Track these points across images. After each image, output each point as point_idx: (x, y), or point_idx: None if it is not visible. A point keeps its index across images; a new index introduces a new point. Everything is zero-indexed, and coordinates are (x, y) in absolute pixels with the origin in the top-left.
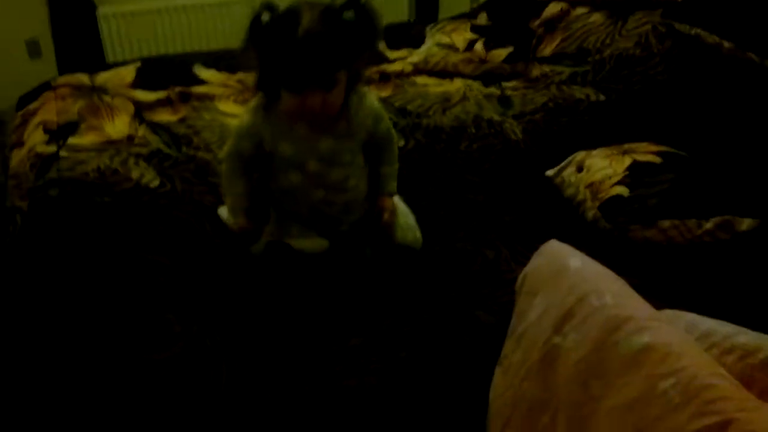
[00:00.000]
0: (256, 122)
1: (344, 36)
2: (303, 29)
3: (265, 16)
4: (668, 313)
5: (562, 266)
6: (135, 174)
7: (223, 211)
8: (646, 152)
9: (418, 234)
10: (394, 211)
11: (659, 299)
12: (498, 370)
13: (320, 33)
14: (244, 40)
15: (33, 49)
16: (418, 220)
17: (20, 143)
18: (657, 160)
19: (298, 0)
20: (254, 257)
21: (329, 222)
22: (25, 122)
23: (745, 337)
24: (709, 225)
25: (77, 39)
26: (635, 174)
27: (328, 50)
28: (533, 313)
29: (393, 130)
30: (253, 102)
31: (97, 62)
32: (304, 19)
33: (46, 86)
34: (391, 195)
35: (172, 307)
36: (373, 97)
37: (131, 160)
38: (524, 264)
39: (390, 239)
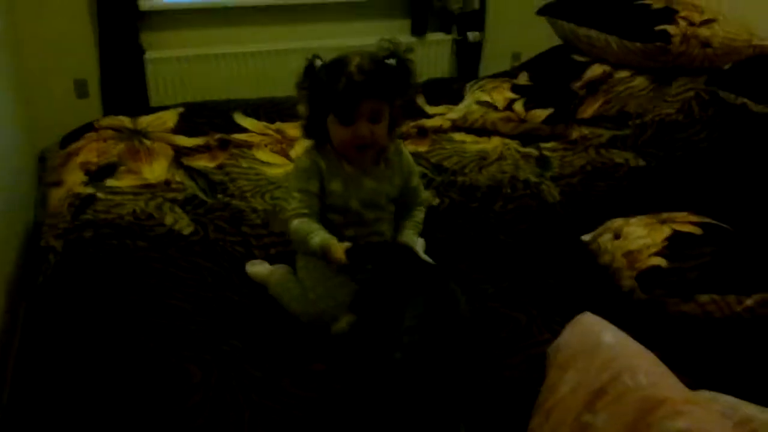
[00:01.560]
0: (314, 159)
1: (388, 76)
2: (354, 65)
3: (318, 62)
4: (705, 395)
5: (596, 341)
6: (169, 220)
7: (251, 267)
8: (686, 222)
9: None
10: None
11: (695, 376)
12: None
13: (370, 68)
14: (298, 83)
15: (81, 89)
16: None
17: (60, 182)
18: (697, 231)
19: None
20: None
21: None
22: (66, 162)
23: None
24: (749, 302)
25: (124, 81)
26: (674, 245)
27: (377, 81)
28: (564, 387)
29: (422, 189)
30: (303, 152)
31: (142, 105)
32: (354, 60)
33: (89, 127)
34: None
35: (194, 358)
36: (408, 153)
37: (166, 205)
38: (556, 331)
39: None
